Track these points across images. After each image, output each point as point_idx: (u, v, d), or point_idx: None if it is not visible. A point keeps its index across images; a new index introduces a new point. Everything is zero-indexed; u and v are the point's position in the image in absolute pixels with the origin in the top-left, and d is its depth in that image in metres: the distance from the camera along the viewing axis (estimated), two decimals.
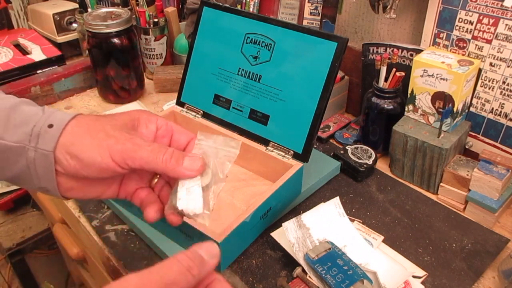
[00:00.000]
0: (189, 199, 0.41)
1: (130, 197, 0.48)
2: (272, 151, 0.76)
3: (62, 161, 0.42)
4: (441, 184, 0.78)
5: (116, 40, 1.03)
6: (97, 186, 0.46)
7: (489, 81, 0.78)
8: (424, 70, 0.76)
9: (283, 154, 0.74)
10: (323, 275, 0.59)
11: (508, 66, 0.75)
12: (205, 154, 0.44)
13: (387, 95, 0.83)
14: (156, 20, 1.15)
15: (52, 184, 0.43)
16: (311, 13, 1.01)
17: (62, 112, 0.44)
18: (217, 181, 0.43)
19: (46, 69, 1.18)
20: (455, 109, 0.76)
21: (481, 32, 0.76)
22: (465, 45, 0.79)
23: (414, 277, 0.64)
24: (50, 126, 0.41)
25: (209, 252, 0.36)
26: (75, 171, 0.42)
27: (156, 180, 0.48)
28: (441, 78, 0.75)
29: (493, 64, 0.76)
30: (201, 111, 0.85)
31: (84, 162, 0.41)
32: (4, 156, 0.42)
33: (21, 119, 0.42)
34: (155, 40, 1.15)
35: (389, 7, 0.82)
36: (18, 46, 1.27)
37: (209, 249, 0.36)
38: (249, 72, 0.78)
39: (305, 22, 1.02)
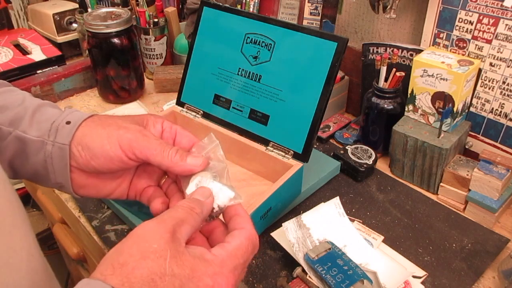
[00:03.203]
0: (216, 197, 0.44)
1: (139, 196, 0.50)
2: (272, 151, 0.76)
3: (75, 153, 0.44)
4: (441, 184, 0.78)
5: (116, 40, 1.03)
6: (108, 183, 0.48)
7: (489, 81, 0.78)
8: (424, 70, 0.76)
9: (283, 154, 0.74)
10: (323, 275, 0.59)
11: (508, 66, 0.75)
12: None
13: (387, 95, 0.83)
14: (156, 20, 1.15)
15: (66, 179, 0.45)
16: (311, 13, 1.01)
17: (80, 112, 0.47)
18: (223, 167, 0.46)
19: (46, 69, 1.18)
20: (455, 109, 0.76)
21: (481, 32, 0.76)
22: (465, 45, 0.79)
23: (414, 277, 0.64)
24: (68, 122, 0.45)
25: (202, 194, 0.41)
26: (86, 162, 0.44)
27: (164, 180, 0.50)
28: (441, 78, 0.75)
29: (493, 64, 0.76)
30: (201, 111, 0.85)
31: (94, 151, 0.43)
32: (26, 150, 0.45)
33: (44, 117, 0.46)
34: (155, 40, 1.15)
35: (389, 7, 0.82)
36: (18, 46, 1.27)
37: (202, 192, 0.42)
38: (249, 72, 0.78)
39: (305, 22, 1.02)
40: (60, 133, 0.44)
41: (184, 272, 0.34)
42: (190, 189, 0.43)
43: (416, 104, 0.80)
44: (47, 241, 1.65)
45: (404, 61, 0.85)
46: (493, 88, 0.78)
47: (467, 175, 0.74)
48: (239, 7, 1.08)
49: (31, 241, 0.40)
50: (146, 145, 0.43)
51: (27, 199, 1.61)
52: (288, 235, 0.64)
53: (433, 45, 0.84)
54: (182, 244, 0.36)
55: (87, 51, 1.15)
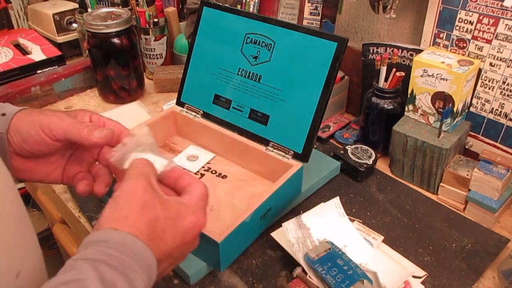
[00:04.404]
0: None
1: (72, 181, 0.56)
2: (272, 151, 0.76)
3: (11, 140, 0.50)
4: (441, 184, 0.78)
5: (116, 40, 1.03)
6: (42, 168, 0.54)
7: (489, 81, 0.78)
8: (424, 70, 0.76)
9: (283, 154, 0.74)
10: (323, 275, 0.59)
11: (508, 66, 0.75)
12: (128, 149, 0.50)
13: (387, 95, 0.83)
14: (156, 20, 1.15)
15: (7, 164, 0.49)
16: (311, 13, 1.01)
17: (13, 106, 0.53)
18: (151, 143, 0.50)
19: (46, 69, 1.18)
20: (455, 109, 0.76)
21: (481, 32, 0.76)
22: (465, 45, 0.79)
23: (414, 277, 0.64)
24: (3, 114, 0.51)
25: (144, 160, 0.47)
26: (20, 146, 0.50)
27: (94, 166, 0.57)
28: (441, 78, 0.75)
29: (493, 64, 0.76)
30: (201, 111, 0.85)
31: (23, 136, 0.50)
32: None
33: None
34: (155, 40, 1.15)
35: (389, 7, 0.82)
36: (18, 46, 1.27)
37: (143, 160, 0.47)
38: (249, 72, 0.78)
39: (305, 22, 1.02)
40: None
41: (172, 214, 0.42)
42: (126, 165, 0.48)
43: (416, 104, 0.80)
44: (47, 241, 1.64)
45: (404, 61, 0.85)
46: (493, 88, 0.78)
47: (467, 175, 0.74)
48: (239, 7, 1.08)
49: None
50: (62, 126, 0.50)
51: (27, 199, 1.61)
52: (288, 235, 0.64)
53: (433, 45, 0.84)
54: (160, 193, 0.44)
55: (87, 51, 1.15)
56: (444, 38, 0.82)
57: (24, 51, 1.24)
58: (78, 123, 0.51)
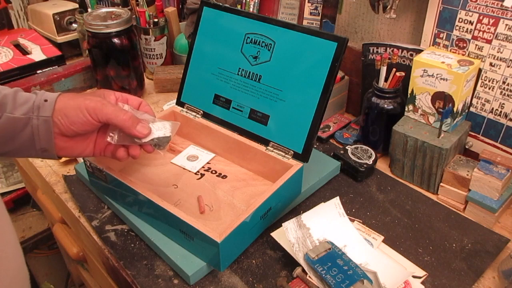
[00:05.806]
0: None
1: (103, 152, 0.64)
2: (272, 151, 0.76)
3: (57, 122, 0.58)
4: (441, 184, 0.78)
5: (116, 40, 1.03)
6: (79, 144, 0.62)
7: (489, 81, 0.78)
8: (424, 70, 0.76)
9: (283, 154, 0.74)
10: (323, 275, 0.59)
11: (508, 66, 0.75)
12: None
13: (387, 95, 0.83)
14: (156, 20, 1.15)
15: (51, 144, 0.58)
16: (311, 13, 1.01)
17: (50, 93, 0.60)
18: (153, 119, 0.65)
19: (46, 69, 1.18)
20: (455, 109, 0.76)
21: (481, 32, 0.76)
22: (465, 45, 0.79)
23: (414, 277, 0.64)
24: (46, 100, 0.58)
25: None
26: (67, 128, 0.58)
27: None
28: (441, 78, 0.75)
29: (493, 64, 0.76)
30: (201, 111, 0.85)
31: (71, 119, 0.58)
32: (14, 127, 0.56)
33: (23, 99, 0.58)
34: (155, 40, 1.15)
35: (389, 7, 0.82)
36: (18, 46, 1.27)
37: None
38: (249, 72, 0.78)
39: (305, 22, 1.02)
40: (42, 109, 0.57)
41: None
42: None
43: (416, 104, 0.80)
44: (47, 241, 1.65)
45: (404, 61, 0.85)
46: (493, 88, 0.78)
47: (467, 175, 0.74)
48: (239, 7, 1.08)
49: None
50: (104, 112, 0.58)
51: (27, 199, 1.61)
52: (288, 235, 0.64)
53: (433, 45, 0.84)
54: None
55: (87, 51, 1.15)
56: (444, 38, 0.82)
57: (24, 51, 1.24)
58: (118, 110, 0.59)
